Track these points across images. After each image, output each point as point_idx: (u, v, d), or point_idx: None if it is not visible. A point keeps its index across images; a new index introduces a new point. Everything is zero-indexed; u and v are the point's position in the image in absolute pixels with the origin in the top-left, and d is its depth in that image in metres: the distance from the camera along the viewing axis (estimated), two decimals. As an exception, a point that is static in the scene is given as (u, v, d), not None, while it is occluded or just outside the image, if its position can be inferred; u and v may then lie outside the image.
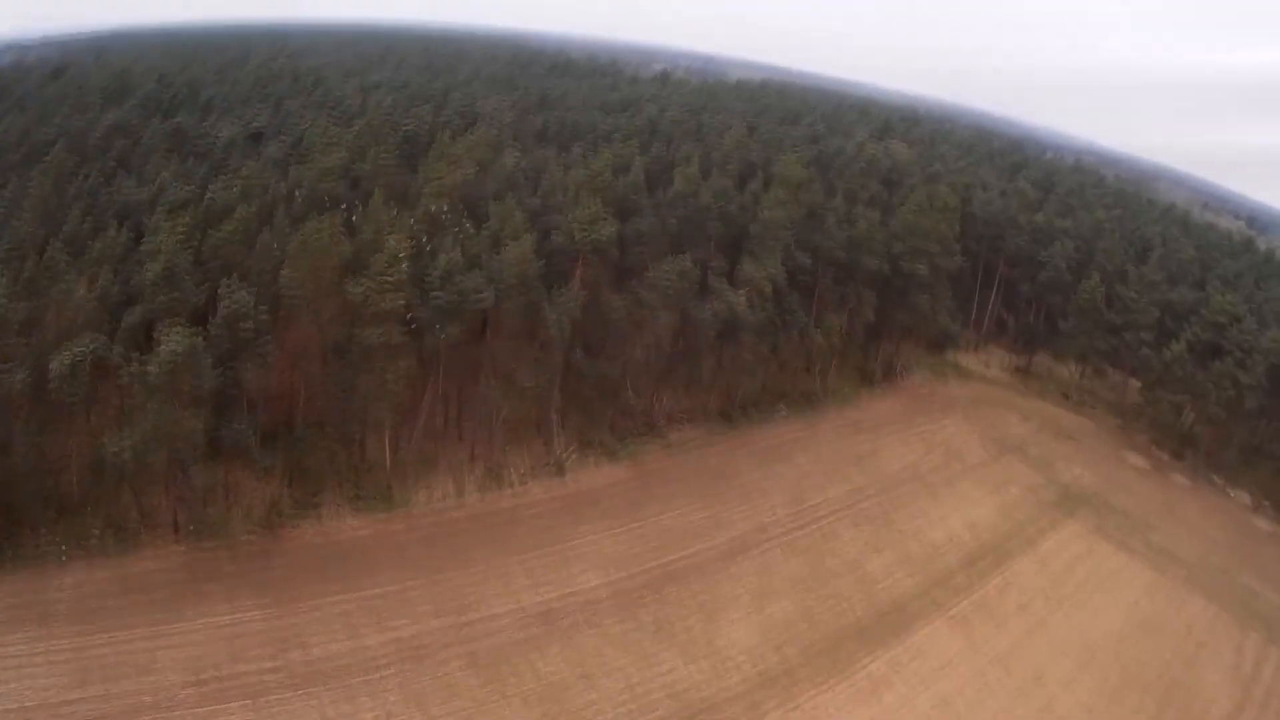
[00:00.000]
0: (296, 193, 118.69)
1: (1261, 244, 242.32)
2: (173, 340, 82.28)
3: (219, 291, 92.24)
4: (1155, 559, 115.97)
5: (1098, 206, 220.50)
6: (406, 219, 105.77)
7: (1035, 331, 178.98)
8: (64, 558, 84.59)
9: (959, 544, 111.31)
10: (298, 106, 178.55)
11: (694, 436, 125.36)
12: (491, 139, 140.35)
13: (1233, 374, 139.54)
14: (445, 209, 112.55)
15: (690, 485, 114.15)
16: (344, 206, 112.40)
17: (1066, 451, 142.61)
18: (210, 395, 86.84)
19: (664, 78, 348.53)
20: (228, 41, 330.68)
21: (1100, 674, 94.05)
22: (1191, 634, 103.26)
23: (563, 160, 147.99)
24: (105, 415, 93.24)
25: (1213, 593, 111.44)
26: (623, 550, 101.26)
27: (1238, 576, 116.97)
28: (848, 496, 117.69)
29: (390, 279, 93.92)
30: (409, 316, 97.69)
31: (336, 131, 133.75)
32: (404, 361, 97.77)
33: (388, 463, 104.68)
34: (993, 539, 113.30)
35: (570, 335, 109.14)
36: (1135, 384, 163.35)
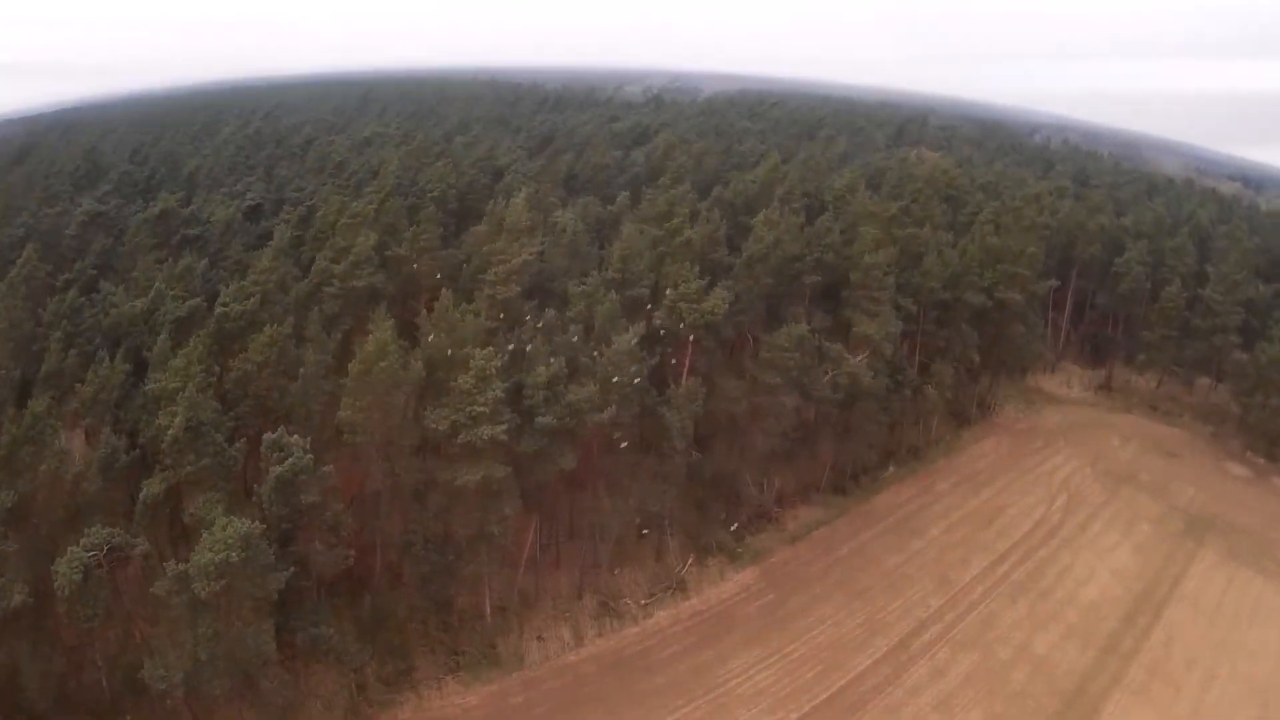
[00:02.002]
0: (326, 291, 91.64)
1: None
2: (218, 535, 55.04)
3: (261, 444, 65.43)
4: None
5: (1143, 200, 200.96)
6: (480, 318, 78.40)
7: (1113, 344, 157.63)
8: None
9: (1114, 601, 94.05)
10: (292, 173, 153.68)
11: (811, 517, 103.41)
12: (539, 199, 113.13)
13: None
14: (518, 297, 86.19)
15: (829, 585, 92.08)
16: (385, 305, 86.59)
17: (1174, 471, 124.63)
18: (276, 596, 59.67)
19: (656, 101, 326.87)
20: (196, 107, 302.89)
21: None
22: None
23: (609, 211, 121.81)
24: (135, 617, 66.33)
25: None
26: (783, 683, 79.04)
27: None
28: (993, 568, 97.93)
29: (483, 405, 66.86)
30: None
31: (357, 206, 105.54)
32: (509, 505, 70.93)
33: (488, 613, 78.49)
34: (1141, 587, 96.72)
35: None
36: (1217, 387, 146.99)
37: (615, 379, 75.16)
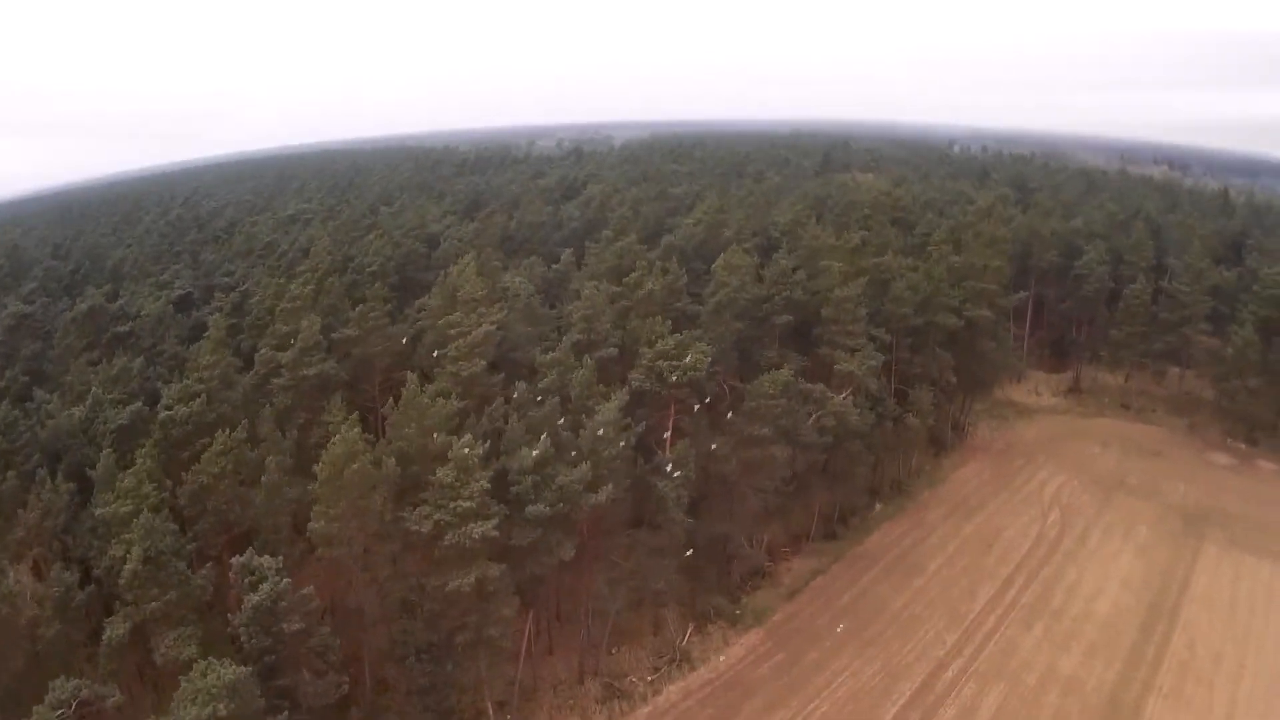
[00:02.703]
0: (275, 383, 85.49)
1: (1212, 188, 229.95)
2: (199, 683, 48.51)
3: (230, 568, 59.14)
4: None
5: (1088, 199, 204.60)
6: (449, 401, 72.06)
7: (1078, 346, 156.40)
8: None
9: (1128, 610, 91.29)
10: (219, 257, 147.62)
11: (806, 568, 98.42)
12: (486, 265, 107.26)
13: None
14: (484, 372, 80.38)
15: (838, 636, 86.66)
16: (339, 394, 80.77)
17: (1160, 470, 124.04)
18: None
19: (576, 153, 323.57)
20: (113, 199, 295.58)
21: None
22: None
23: (554, 270, 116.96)
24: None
25: None
26: (817, 747, 74.05)
27: None
28: (1001, 594, 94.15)
29: (469, 499, 60.67)
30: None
31: (296, 288, 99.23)
32: (507, 605, 64.42)
33: (490, 715, 71.67)
34: (1152, 594, 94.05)
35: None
36: (1185, 375, 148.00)
37: (606, 453, 69.47)
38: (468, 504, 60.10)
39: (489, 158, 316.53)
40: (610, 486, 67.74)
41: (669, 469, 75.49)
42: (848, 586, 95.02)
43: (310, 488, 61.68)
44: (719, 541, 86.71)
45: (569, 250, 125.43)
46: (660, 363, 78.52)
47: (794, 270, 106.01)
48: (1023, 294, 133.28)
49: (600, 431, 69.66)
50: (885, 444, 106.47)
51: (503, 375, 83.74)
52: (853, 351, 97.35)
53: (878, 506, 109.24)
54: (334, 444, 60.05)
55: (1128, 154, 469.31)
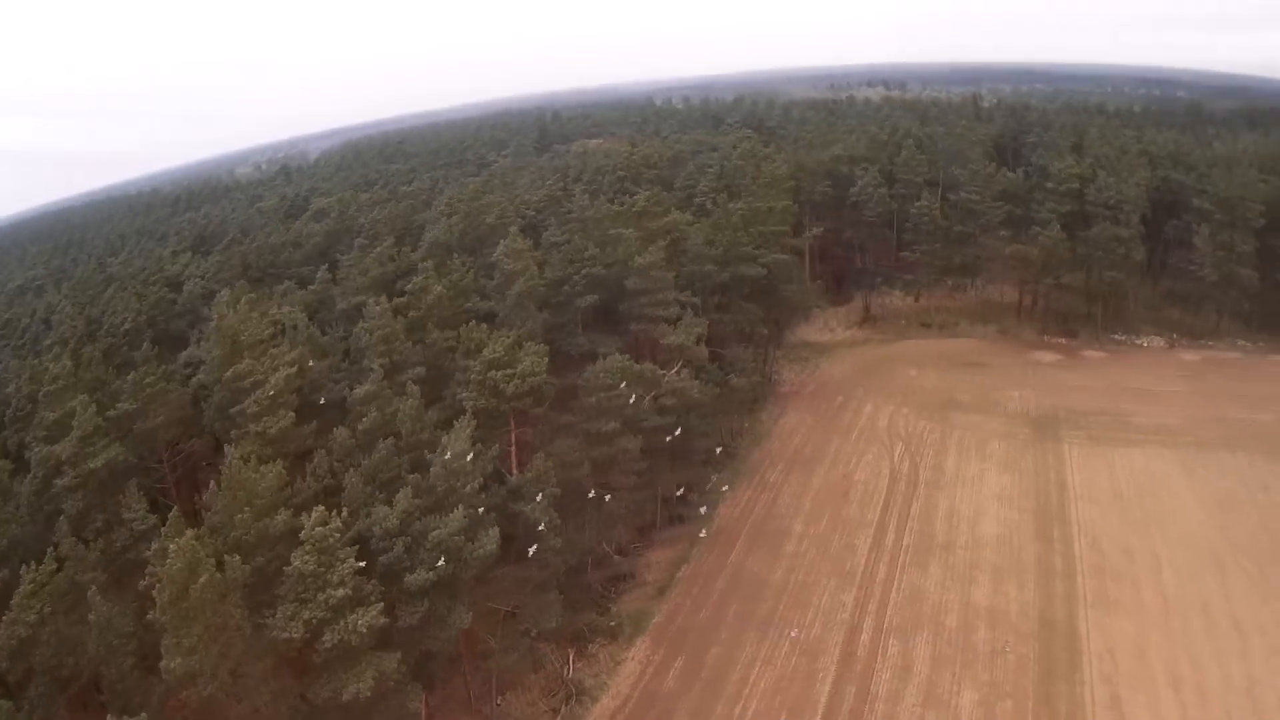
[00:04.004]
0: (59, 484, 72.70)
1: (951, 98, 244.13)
2: None
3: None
4: (1156, 437, 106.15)
5: (838, 127, 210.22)
6: (275, 466, 61.79)
7: (864, 274, 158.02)
8: None
9: (1017, 527, 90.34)
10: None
11: (665, 560, 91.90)
12: (237, 298, 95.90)
13: (1113, 233, 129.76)
14: (293, 425, 70.73)
15: (733, 626, 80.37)
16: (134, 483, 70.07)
17: (988, 380, 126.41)
18: None
19: (284, 172, 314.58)
20: None
21: (1245, 559, 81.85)
22: (1246, 483, 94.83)
23: (313, 292, 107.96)
24: None
25: (1228, 440, 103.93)
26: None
27: (1226, 413, 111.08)
28: (880, 542, 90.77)
29: (340, 585, 52.01)
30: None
31: (55, 368, 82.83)
32: (411, 697, 56.35)
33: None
34: (1034, 504, 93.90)
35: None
36: (976, 285, 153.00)
37: (467, 489, 61.85)
38: (340, 591, 51.72)
39: (198, 191, 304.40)
40: (495, 530, 60.41)
41: (534, 492, 68.75)
42: (718, 569, 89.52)
43: (150, 615, 51.06)
44: (584, 555, 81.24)
45: (323, 267, 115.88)
46: (493, 373, 71.20)
47: (586, 247, 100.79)
48: (817, 229, 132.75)
49: (455, 465, 62.11)
50: (718, 411, 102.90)
51: (314, 423, 74.22)
52: (673, 322, 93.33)
53: (713, 478, 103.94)
54: (170, 560, 49.39)
55: (837, 82, 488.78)
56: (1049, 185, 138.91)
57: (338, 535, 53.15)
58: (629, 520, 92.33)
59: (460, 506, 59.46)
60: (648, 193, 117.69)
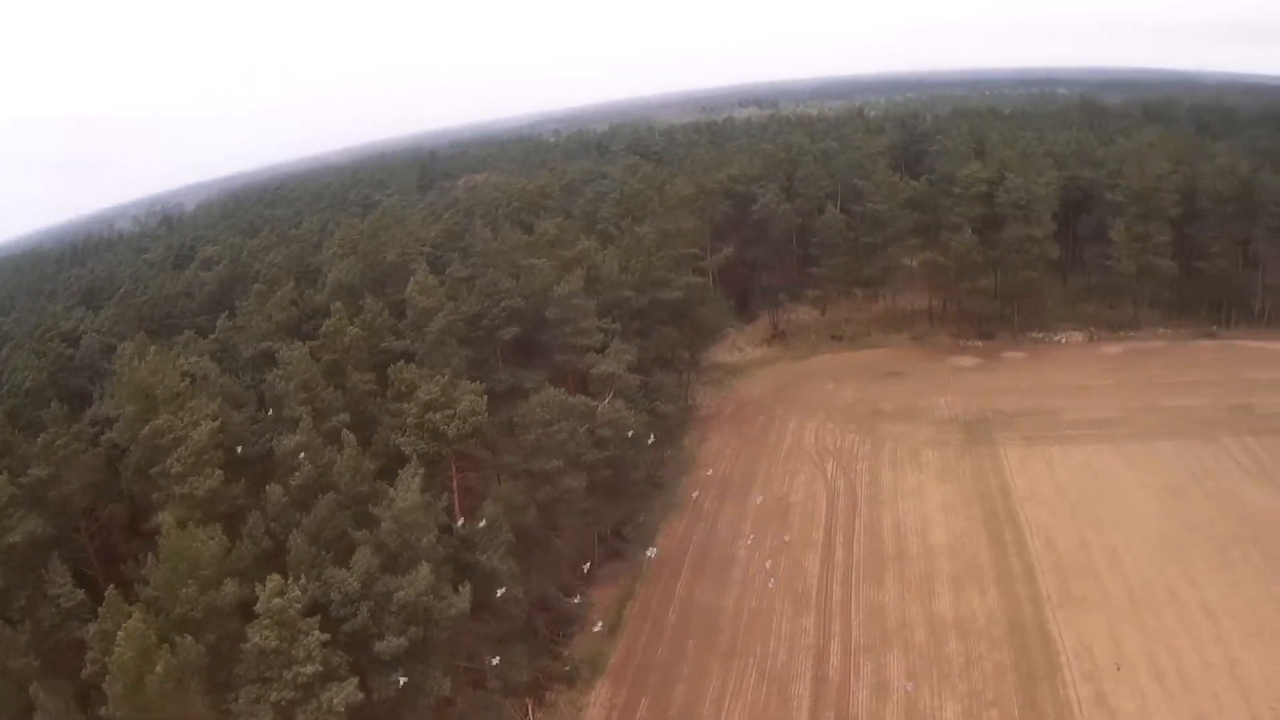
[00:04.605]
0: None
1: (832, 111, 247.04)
2: None
3: None
4: (1092, 432, 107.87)
5: (728, 148, 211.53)
6: (216, 532, 57.30)
7: (770, 291, 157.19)
8: None
9: (967, 534, 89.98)
10: None
11: (611, 598, 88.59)
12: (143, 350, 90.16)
13: (1026, 233, 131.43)
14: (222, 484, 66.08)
15: (696, 661, 78.01)
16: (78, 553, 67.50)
17: (910, 389, 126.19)
18: None
19: (165, 222, 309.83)
20: None
21: (1203, 543, 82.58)
22: (1191, 469, 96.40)
23: (216, 341, 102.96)
24: None
25: (1164, 428, 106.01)
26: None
27: (1158, 401, 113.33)
28: (830, 560, 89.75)
29: (308, 661, 48.32)
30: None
31: None
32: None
33: None
34: (980, 510, 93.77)
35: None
36: (888, 295, 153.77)
37: (422, 541, 58.18)
38: (310, 668, 47.96)
39: (83, 246, 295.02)
40: (468, 587, 56.87)
41: (489, 541, 65.36)
42: (667, 602, 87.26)
43: (103, 712, 46.27)
44: (537, 601, 77.73)
45: (223, 315, 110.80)
46: (431, 415, 67.93)
47: (500, 280, 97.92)
48: (727, 250, 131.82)
49: (409, 519, 58.41)
50: (652, 441, 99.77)
51: (243, 481, 69.40)
52: (600, 350, 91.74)
53: (642, 514, 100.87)
54: (120, 648, 44.95)
55: (708, 105, 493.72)
56: (956, 190, 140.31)
57: (298, 606, 49.22)
58: (572, 560, 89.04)
59: (423, 562, 55.82)
60: (558, 221, 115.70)
